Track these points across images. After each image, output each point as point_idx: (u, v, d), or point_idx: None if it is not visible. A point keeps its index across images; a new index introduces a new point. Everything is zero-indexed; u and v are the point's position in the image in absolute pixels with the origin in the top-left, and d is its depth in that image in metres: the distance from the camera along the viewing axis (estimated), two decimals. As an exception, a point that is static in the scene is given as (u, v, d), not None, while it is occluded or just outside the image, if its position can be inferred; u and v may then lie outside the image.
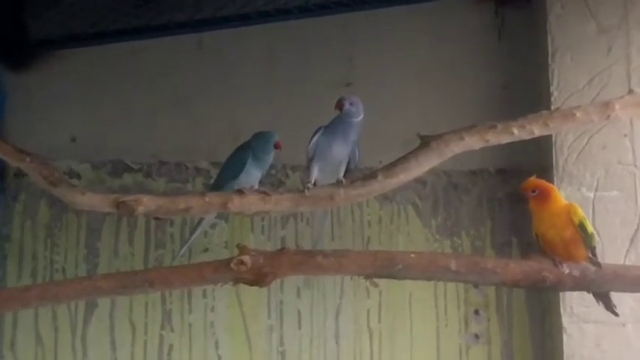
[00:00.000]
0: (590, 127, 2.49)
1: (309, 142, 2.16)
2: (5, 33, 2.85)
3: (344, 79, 2.88)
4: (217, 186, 2.17)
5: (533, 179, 2.04)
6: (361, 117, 2.15)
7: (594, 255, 2.00)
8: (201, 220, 2.28)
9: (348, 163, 2.17)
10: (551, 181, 2.54)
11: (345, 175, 2.15)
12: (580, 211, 2.00)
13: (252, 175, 2.14)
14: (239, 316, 2.76)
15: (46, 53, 2.88)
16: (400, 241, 2.79)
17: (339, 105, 2.14)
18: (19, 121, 2.86)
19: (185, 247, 2.41)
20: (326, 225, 2.35)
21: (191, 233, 2.40)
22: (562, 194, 2.49)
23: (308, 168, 2.18)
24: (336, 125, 2.16)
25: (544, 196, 1.99)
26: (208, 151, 2.82)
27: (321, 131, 2.16)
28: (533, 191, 1.99)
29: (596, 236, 2.03)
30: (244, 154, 2.14)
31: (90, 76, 2.89)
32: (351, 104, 2.14)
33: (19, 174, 2.75)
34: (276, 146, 2.14)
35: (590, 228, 1.99)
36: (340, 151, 2.14)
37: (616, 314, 2.06)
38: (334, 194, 2.05)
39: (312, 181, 2.14)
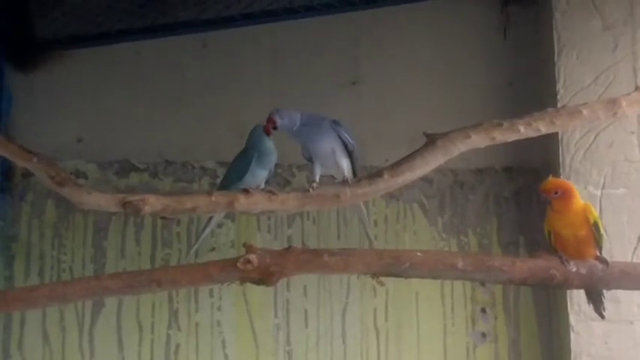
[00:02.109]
0: (596, 124, 2.48)
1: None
2: (11, 33, 2.86)
3: (349, 78, 2.88)
4: (224, 187, 2.17)
5: (553, 180, 2.03)
6: (298, 117, 2.14)
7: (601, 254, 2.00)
8: (209, 221, 2.28)
9: (346, 147, 2.16)
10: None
11: (353, 162, 2.15)
12: (594, 211, 2.00)
13: (258, 175, 2.14)
14: (246, 316, 2.76)
15: (52, 54, 2.89)
16: (406, 240, 2.79)
17: (271, 126, 2.13)
18: (26, 122, 2.87)
19: (193, 249, 2.41)
20: (364, 213, 2.35)
21: (199, 235, 2.40)
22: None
23: (311, 167, 2.19)
24: (304, 122, 2.17)
25: (566, 196, 1.98)
26: (214, 151, 2.83)
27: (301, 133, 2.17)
28: (556, 193, 1.98)
29: (604, 235, 2.03)
30: (248, 154, 2.15)
31: (95, 76, 2.89)
32: (282, 118, 2.14)
33: (26, 174, 2.76)
34: (266, 132, 2.14)
35: (602, 227, 1.99)
36: (323, 142, 2.14)
37: (602, 317, 2.06)
38: (340, 193, 2.05)
39: (317, 179, 2.14)
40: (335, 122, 2.16)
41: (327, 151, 2.14)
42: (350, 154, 2.16)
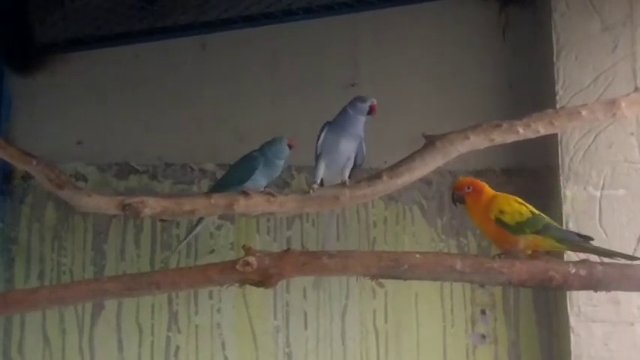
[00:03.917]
0: (596, 125, 2.48)
1: (318, 138, 2.16)
2: (11, 37, 2.86)
3: (348, 79, 2.88)
4: (221, 188, 2.17)
5: (464, 178, 2.04)
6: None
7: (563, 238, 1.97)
8: (198, 221, 2.28)
9: (356, 159, 2.17)
10: (557, 180, 2.55)
11: (351, 171, 2.15)
12: (500, 205, 1.94)
13: (259, 183, 2.13)
14: (245, 317, 2.76)
15: (51, 57, 2.90)
16: (406, 242, 2.79)
17: (374, 111, 2.14)
18: (25, 125, 2.87)
19: (182, 244, 2.41)
20: (334, 226, 2.36)
21: (190, 230, 2.39)
22: (568, 193, 2.51)
23: (315, 165, 2.18)
24: (343, 120, 2.16)
25: (477, 192, 1.98)
26: (213, 153, 2.83)
27: (327, 127, 2.16)
28: (468, 187, 1.98)
29: (540, 217, 1.95)
30: (254, 161, 2.14)
31: (95, 78, 2.90)
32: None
33: (26, 177, 2.77)
34: (290, 146, 2.15)
35: (512, 218, 1.92)
36: (347, 146, 2.14)
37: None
38: (339, 195, 2.06)
39: (318, 180, 2.14)
40: (362, 137, 2.16)
41: (343, 158, 2.14)
42: (356, 166, 2.17)
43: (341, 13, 2.82)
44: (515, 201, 1.98)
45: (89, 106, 2.89)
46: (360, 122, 2.15)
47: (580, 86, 2.57)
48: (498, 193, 2.01)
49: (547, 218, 2.00)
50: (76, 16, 2.81)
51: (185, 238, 2.37)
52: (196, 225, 2.28)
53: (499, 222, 1.93)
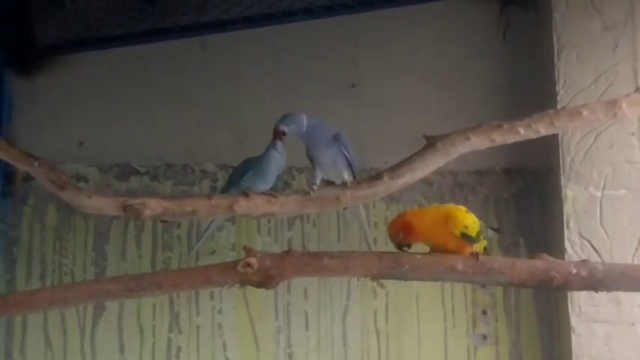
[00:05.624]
0: (597, 125, 2.48)
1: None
2: (12, 38, 2.87)
3: (349, 80, 2.88)
4: (224, 191, 2.17)
5: (390, 228, 1.95)
6: (304, 120, 2.12)
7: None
8: (210, 223, 2.29)
9: (347, 159, 2.15)
10: (558, 180, 2.55)
11: (352, 170, 2.15)
12: (462, 220, 1.90)
13: (259, 188, 2.12)
14: (246, 318, 2.76)
15: (53, 58, 2.89)
16: (407, 242, 2.78)
17: (279, 136, 2.11)
18: (27, 126, 2.87)
19: (194, 250, 2.42)
20: (364, 216, 2.35)
21: (200, 237, 2.40)
22: (569, 194, 2.51)
23: (313, 167, 2.18)
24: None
25: (407, 230, 1.92)
26: (214, 154, 2.83)
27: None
28: (399, 235, 1.92)
29: (484, 232, 1.95)
30: (248, 163, 2.14)
31: (96, 80, 2.90)
32: (288, 125, 2.12)
33: (28, 178, 2.77)
34: (277, 141, 2.13)
35: (474, 230, 1.91)
36: (326, 155, 2.13)
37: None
38: (340, 196, 2.06)
39: (318, 181, 2.14)
40: (337, 137, 2.14)
41: (328, 162, 2.14)
42: (350, 165, 2.16)
43: (341, 13, 2.82)
44: (465, 211, 1.94)
45: (90, 107, 2.89)
46: (320, 124, 2.14)
47: (581, 86, 2.57)
48: (441, 208, 1.98)
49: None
50: (77, 17, 2.81)
51: (200, 240, 2.37)
52: (208, 227, 2.28)
53: (464, 236, 1.91)
